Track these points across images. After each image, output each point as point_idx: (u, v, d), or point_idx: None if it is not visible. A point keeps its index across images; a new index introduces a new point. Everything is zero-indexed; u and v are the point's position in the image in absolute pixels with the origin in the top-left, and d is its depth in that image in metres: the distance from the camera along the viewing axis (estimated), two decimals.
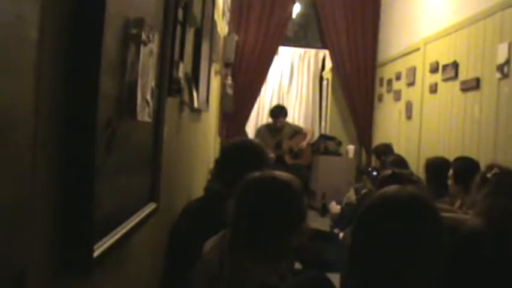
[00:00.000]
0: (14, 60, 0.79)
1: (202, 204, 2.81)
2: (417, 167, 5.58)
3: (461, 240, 2.23)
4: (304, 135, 8.12)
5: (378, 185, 3.03)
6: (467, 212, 3.07)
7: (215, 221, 2.02)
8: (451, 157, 4.22)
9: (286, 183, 1.94)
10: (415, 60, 6.28)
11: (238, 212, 1.91)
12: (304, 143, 8.00)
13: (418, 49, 6.16)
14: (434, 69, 5.58)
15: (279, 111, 8.00)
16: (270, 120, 8.19)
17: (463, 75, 4.89)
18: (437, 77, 5.49)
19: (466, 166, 3.77)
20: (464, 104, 4.83)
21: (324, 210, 7.20)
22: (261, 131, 8.15)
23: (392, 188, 1.64)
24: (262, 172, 1.99)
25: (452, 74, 5.08)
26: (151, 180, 1.92)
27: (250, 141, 2.78)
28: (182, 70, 2.64)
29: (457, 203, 3.77)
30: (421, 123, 5.98)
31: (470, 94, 4.71)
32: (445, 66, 5.27)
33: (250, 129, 9.39)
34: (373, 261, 1.55)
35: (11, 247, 0.82)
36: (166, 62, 2.05)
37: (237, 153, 2.65)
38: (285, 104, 9.89)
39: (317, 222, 6.41)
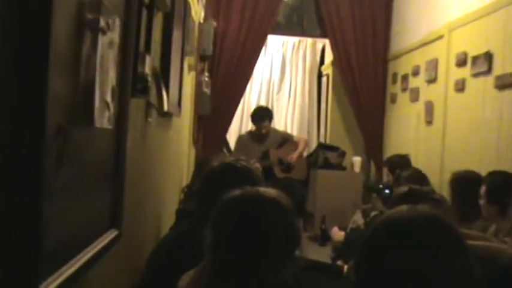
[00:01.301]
0: None
1: (177, 234, 2.83)
2: (440, 183, 5.60)
3: (498, 275, 2.22)
4: (295, 144, 8.09)
5: (391, 206, 2.99)
6: (505, 240, 3.08)
7: (192, 252, 2.03)
8: (483, 171, 4.23)
9: (273, 200, 1.95)
10: (437, 51, 6.29)
11: (217, 238, 1.92)
12: (294, 155, 7.96)
13: (441, 37, 6.18)
14: (461, 62, 5.60)
15: (262, 114, 7.90)
16: (253, 126, 8.14)
17: (498, 69, 4.91)
18: (466, 72, 5.50)
19: (502, 182, 3.79)
20: (500, 105, 4.85)
21: (323, 238, 7.15)
22: (242, 140, 8.07)
23: (400, 209, 1.63)
24: (243, 189, 2.01)
25: (484, 67, 5.10)
26: (111, 200, 1.93)
27: (236, 163, 2.79)
28: (149, 65, 2.65)
29: (492, 228, 3.79)
30: (444, 129, 6.00)
31: (508, 92, 4.74)
32: (475, 58, 5.29)
33: (233, 138, 9.39)
34: None
35: None
36: (129, 55, 2.06)
37: (223, 176, 2.67)
38: (275, 107, 9.92)
39: (315, 252, 6.36)
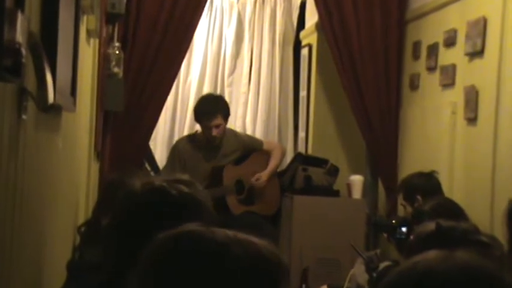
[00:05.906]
0: None
1: None
2: (490, 216, 5.65)
3: None
4: (267, 154, 8.08)
5: (410, 253, 3.10)
6: None
7: None
8: None
9: (252, 247, 1.96)
10: (485, 6, 6.31)
11: None
12: (265, 174, 7.93)
13: None
14: None
15: (212, 107, 7.90)
16: (197, 126, 8.21)
17: None
18: None
19: None
20: None
21: None
22: (179, 149, 8.11)
23: (428, 258, 1.68)
24: (189, 228, 1.98)
25: None
26: None
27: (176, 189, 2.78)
28: (22, 28, 2.62)
29: None
30: (496, 130, 5.99)
31: None
32: None
33: (160, 148, 9.36)
34: None
35: None
36: None
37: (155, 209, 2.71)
38: (227, 96, 9.86)
39: None
